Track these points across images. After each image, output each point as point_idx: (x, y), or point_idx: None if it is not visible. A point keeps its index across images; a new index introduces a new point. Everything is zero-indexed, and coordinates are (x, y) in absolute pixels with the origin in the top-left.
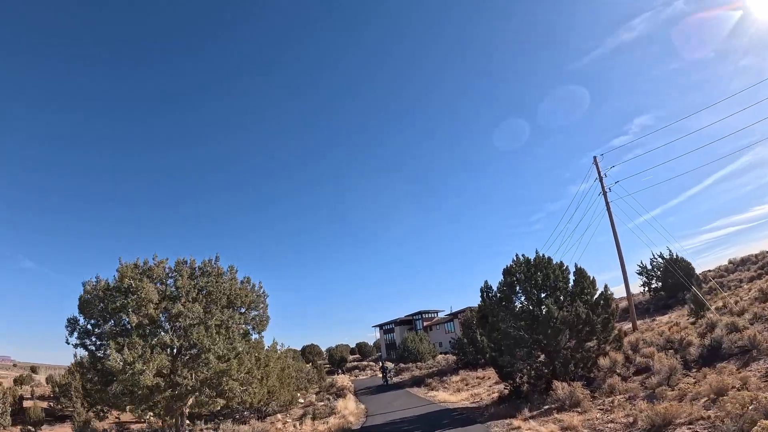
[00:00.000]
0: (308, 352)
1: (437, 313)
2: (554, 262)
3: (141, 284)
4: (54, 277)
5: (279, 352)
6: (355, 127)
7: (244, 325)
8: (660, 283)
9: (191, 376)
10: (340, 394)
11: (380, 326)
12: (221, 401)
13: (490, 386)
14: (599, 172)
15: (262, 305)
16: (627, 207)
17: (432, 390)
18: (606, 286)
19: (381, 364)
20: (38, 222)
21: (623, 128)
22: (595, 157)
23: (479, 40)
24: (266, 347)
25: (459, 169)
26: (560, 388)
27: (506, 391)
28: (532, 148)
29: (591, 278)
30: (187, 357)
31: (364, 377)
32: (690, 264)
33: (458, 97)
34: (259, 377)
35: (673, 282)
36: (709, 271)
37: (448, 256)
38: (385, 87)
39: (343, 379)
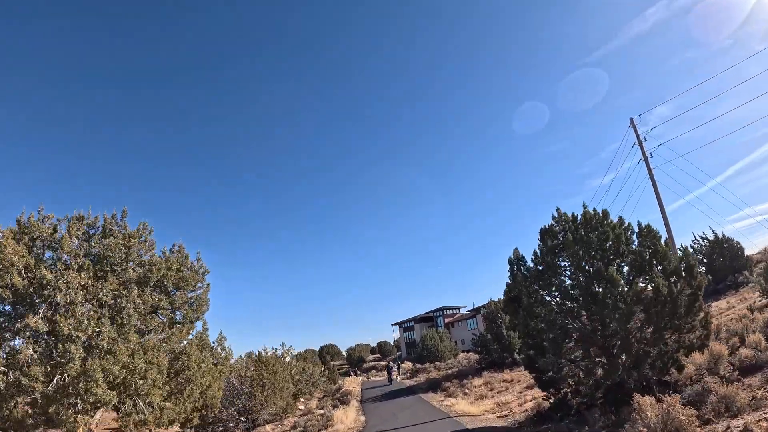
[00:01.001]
0: (326, 353)
1: (459, 309)
2: (610, 219)
3: (3, 242)
4: None
5: (227, 351)
6: (389, 119)
7: (175, 312)
8: (704, 268)
9: (44, 377)
10: (343, 400)
11: (399, 324)
12: (86, 419)
13: (520, 392)
14: (638, 136)
15: (200, 286)
16: (666, 188)
17: (450, 397)
18: (687, 249)
19: (387, 363)
20: None
21: (643, 119)
22: (631, 119)
23: (492, 35)
24: (214, 345)
25: (475, 163)
26: (648, 406)
27: (546, 404)
28: (549, 144)
29: (663, 239)
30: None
31: (379, 378)
32: (739, 244)
33: (475, 89)
34: (171, 386)
35: (720, 265)
36: (755, 254)
37: (466, 254)
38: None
39: (351, 383)
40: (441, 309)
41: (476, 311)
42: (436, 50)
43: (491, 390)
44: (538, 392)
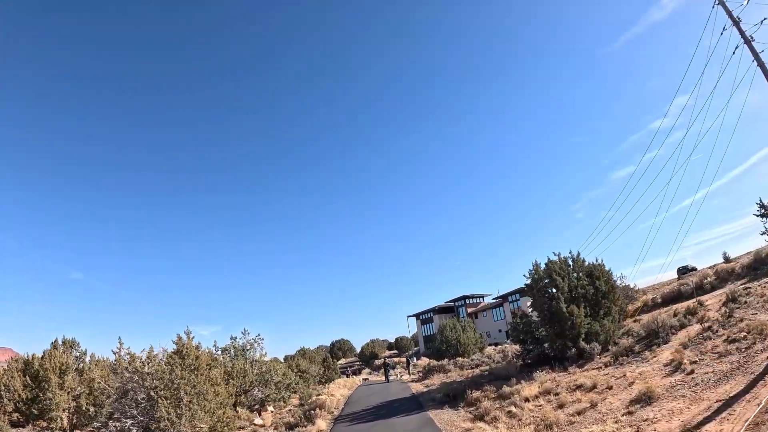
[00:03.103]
0: (338, 348)
1: (483, 297)
2: None
3: None
4: (100, 287)
5: None
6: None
7: None
8: None
9: None
10: (310, 416)
11: (417, 316)
12: None
13: (628, 411)
14: (732, 17)
15: None
16: None
17: (482, 420)
18: None
19: (384, 361)
20: (86, 235)
21: (663, 110)
22: None
23: (507, 29)
24: None
25: (493, 158)
26: None
27: None
28: (569, 135)
29: None
30: None
31: (382, 379)
32: None
33: (490, 83)
34: None
35: None
36: None
37: (488, 249)
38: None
39: (336, 387)
40: (463, 297)
41: (503, 299)
42: (474, 44)
43: (560, 407)
44: (674, 407)
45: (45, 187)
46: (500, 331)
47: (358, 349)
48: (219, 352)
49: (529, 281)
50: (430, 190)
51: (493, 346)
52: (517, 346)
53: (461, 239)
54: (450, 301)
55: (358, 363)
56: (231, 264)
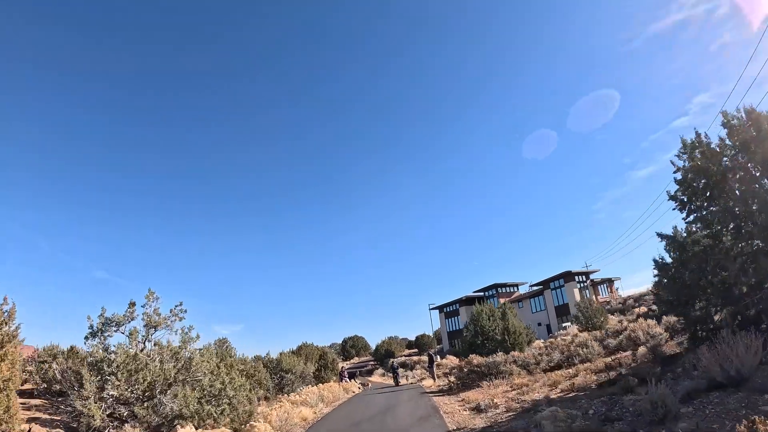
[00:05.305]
0: (350, 346)
1: (517, 286)
2: None
3: None
4: (124, 285)
5: None
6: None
7: None
8: None
9: None
10: None
11: (440, 308)
12: None
13: None
14: None
15: None
16: None
17: None
18: None
19: (391, 363)
20: (109, 234)
21: (683, 108)
22: None
23: (527, 28)
24: None
25: (508, 158)
26: None
27: None
28: (591, 134)
29: None
30: None
31: (403, 382)
32: None
33: (510, 83)
34: None
35: None
36: None
37: (500, 248)
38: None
39: (295, 404)
40: (495, 286)
41: (543, 286)
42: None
43: None
44: None
45: (68, 184)
46: (540, 324)
47: (374, 348)
48: (114, 328)
49: (680, 175)
50: (449, 187)
51: (542, 341)
52: (671, 317)
53: (476, 238)
54: (479, 291)
55: (372, 362)
56: (250, 260)
